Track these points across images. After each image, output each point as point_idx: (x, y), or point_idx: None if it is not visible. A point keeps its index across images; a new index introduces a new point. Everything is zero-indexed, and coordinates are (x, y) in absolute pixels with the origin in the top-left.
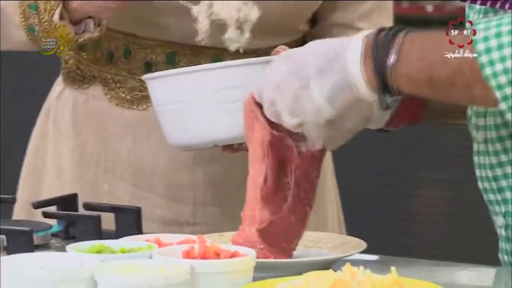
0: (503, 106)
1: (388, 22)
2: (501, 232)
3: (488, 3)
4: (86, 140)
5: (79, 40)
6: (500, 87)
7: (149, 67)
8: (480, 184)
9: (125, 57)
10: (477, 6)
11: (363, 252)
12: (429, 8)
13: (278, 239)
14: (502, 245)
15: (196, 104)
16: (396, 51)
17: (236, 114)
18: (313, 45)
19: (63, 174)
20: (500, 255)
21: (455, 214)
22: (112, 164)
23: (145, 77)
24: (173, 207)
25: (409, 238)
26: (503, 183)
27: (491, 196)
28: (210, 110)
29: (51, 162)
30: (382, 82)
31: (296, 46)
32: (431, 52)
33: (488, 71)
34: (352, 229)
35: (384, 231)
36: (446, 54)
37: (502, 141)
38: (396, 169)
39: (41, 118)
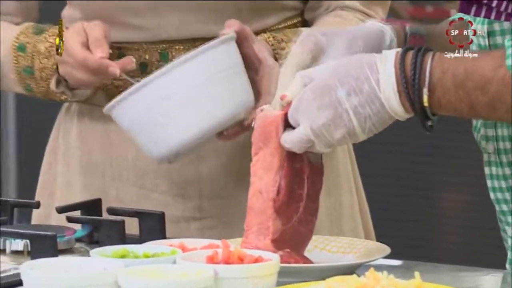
0: None
1: None
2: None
3: (493, 15)
4: (91, 149)
5: (77, 100)
6: None
7: (144, 67)
8: (492, 195)
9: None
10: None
11: (387, 257)
12: (453, 12)
13: (290, 248)
14: (511, 255)
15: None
16: (429, 85)
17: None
18: (335, 72)
19: (73, 185)
20: (508, 265)
21: (480, 218)
22: (118, 170)
23: (106, 109)
24: (179, 204)
25: (433, 243)
26: None
27: (504, 207)
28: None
29: (61, 176)
30: (423, 116)
31: (291, 26)
32: (467, 82)
33: None
34: (376, 234)
35: (408, 236)
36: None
37: None
38: (420, 173)
39: (53, 134)
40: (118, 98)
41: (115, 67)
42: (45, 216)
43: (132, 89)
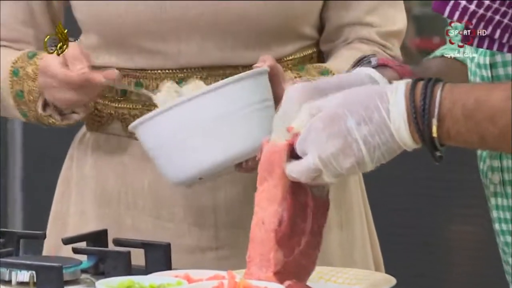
0: None
1: (399, 13)
2: None
3: (495, 47)
4: (106, 179)
5: (67, 124)
6: None
7: None
8: (497, 226)
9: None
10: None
11: None
12: None
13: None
14: None
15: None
16: (438, 116)
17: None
18: (344, 102)
19: (87, 214)
20: None
21: (487, 249)
22: (133, 198)
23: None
24: (195, 233)
25: (440, 274)
26: None
27: (508, 238)
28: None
29: (75, 206)
30: (431, 147)
31: (306, 57)
32: (476, 113)
33: None
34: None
35: (415, 267)
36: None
37: None
38: (427, 204)
39: (66, 163)
40: (146, 116)
41: (99, 76)
42: (56, 246)
43: (161, 109)
